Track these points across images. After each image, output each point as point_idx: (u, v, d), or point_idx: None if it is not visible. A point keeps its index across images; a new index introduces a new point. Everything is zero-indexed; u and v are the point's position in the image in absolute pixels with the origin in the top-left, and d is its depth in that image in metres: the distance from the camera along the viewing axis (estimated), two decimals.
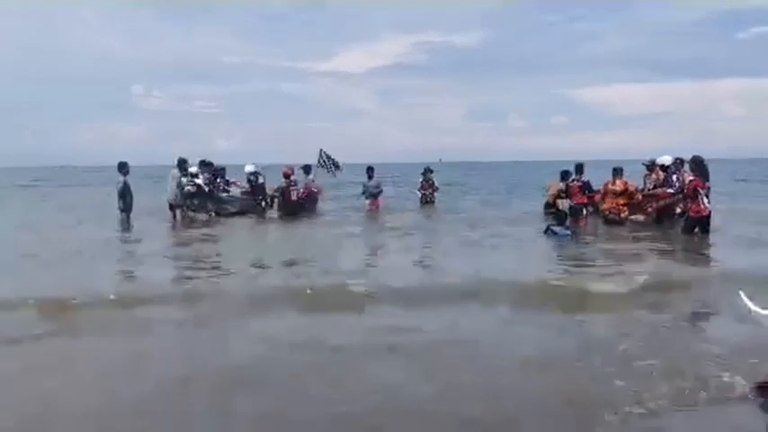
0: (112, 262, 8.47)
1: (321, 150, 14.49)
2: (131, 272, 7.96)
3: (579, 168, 11.84)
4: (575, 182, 11.68)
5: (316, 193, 14.26)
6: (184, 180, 12.78)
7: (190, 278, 7.28)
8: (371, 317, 5.39)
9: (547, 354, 4.37)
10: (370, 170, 14.92)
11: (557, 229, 10.13)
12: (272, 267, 7.90)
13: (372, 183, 14.91)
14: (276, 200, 13.75)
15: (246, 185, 13.98)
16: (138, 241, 10.71)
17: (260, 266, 8.03)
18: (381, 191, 15.18)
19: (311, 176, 14.21)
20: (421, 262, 8.30)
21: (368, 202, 14.75)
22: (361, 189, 15.06)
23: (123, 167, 12.53)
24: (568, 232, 10.06)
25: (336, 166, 14.58)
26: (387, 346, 4.45)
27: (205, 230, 11.53)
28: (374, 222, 13.28)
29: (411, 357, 4.29)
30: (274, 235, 11.91)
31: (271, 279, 7.13)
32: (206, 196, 13.16)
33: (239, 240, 10.66)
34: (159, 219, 12.93)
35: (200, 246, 9.90)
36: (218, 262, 8.35)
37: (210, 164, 14.21)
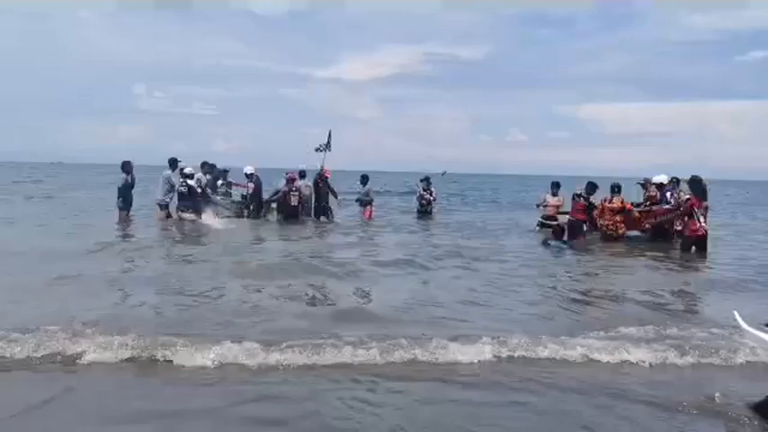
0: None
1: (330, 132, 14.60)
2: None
3: (593, 188, 11.69)
4: (581, 198, 11.74)
5: (327, 178, 14.09)
6: (179, 180, 12.66)
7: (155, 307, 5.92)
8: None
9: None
10: (363, 178, 14.88)
11: (553, 242, 10.33)
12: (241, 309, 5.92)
13: (362, 191, 14.86)
14: (275, 204, 13.83)
15: (249, 186, 14.09)
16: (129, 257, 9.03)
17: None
18: (372, 199, 15.01)
19: (321, 163, 14.19)
20: (413, 308, 6.05)
21: (359, 210, 14.84)
22: (355, 196, 15.48)
23: (126, 166, 12.68)
24: (565, 246, 10.23)
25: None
26: None
27: (192, 241, 10.83)
28: (366, 241, 11.52)
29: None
30: (257, 254, 9.30)
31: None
32: (198, 198, 12.95)
33: (222, 258, 8.67)
34: (153, 219, 12.87)
35: (182, 268, 8.13)
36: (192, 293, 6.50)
37: (213, 165, 14.21)
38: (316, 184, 14.02)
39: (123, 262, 8.24)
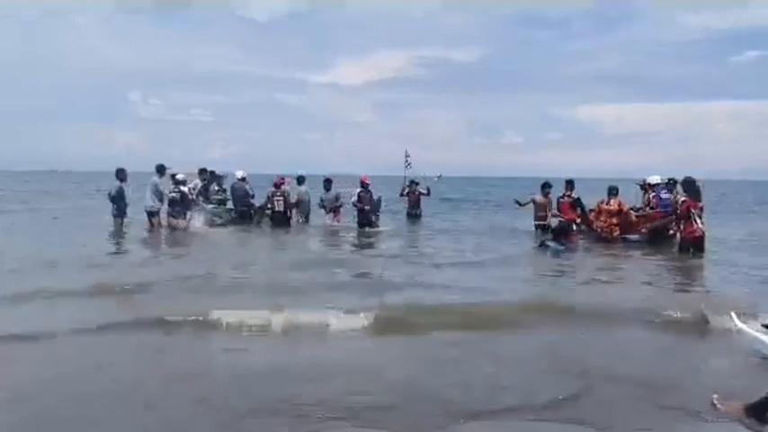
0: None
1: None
2: None
3: (570, 185, 11.95)
4: (565, 198, 11.77)
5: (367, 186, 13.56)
6: (170, 186, 12.51)
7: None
8: None
9: None
10: (327, 182, 13.78)
11: (551, 243, 10.37)
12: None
13: (330, 196, 13.76)
14: (266, 211, 13.56)
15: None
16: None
17: None
18: (342, 204, 13.89)
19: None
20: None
21: (327, 216, 13.73)
22: (318, 201, 13.93)
23: (120, 174, 12.55)
24: (562, 248, 10.26)
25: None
26: None
27: (172, 255, 10.43)
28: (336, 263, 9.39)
29: None
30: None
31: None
32: (190, 204, 12.78)
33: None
34: (146, 231, 12.48)
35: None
36: None
37: (212, 172, 14.02)
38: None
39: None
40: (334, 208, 13.65)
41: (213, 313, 5.52)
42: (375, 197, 13.67)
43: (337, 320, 5.45)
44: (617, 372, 4.43)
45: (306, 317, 5.53)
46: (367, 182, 13.50)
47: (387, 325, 5.45)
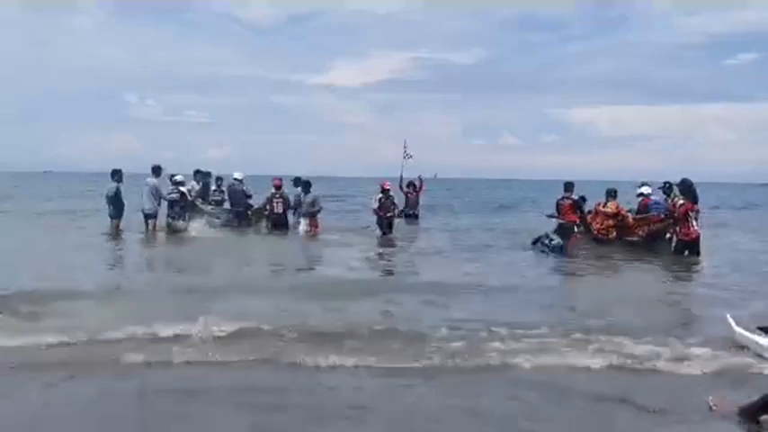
0: None
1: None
2: None
3: (569, 187, 11.98)
4: (564, 200, 11.84)
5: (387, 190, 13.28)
6: (169, 187, 12.47)
7: None
8: None
9: None
10: (306, 184, 12.97)
11: (555, 241, 10.55)
12: None
13: (308, 199, 12.94)
14: (264, 213, 13.38)
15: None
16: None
17: None
18: (319, 209, 13.22)
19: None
20: None
21: (302, 222, 12.90)
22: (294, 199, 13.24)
23: (116, 175, 12.51)
24: (558, 246, 10.55)
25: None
26: None
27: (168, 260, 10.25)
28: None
29: None
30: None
31: None
32: (190, 205, 12.75)
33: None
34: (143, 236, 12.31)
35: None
36: None
37: (208, 174, 14.02)
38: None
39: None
40: (310, 213, 12.94)
41: None
42: (396, 210, 13.57)
43: None
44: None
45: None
46: (387, 186, 13.33)
47: None
